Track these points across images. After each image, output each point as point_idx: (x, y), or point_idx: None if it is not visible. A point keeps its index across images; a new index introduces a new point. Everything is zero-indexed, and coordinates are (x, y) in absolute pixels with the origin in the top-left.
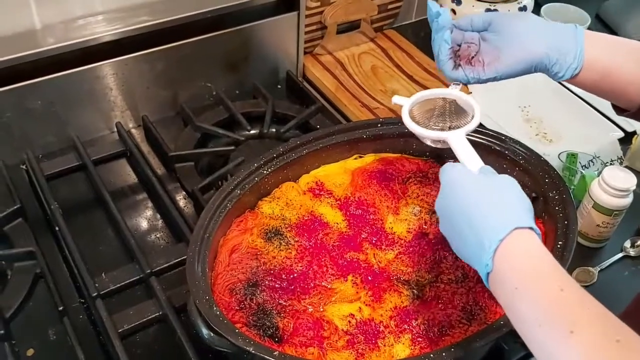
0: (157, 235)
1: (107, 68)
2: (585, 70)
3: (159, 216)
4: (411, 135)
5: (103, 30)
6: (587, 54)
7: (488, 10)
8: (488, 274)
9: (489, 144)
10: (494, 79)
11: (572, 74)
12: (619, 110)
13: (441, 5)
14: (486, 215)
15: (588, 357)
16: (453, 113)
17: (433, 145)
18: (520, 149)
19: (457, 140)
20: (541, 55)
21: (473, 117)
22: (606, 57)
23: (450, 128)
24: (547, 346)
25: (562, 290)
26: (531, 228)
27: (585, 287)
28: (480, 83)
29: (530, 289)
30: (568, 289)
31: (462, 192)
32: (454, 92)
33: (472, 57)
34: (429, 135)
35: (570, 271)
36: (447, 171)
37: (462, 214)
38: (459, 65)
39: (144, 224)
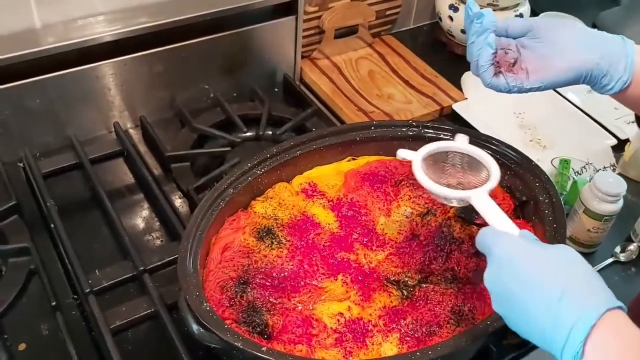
0: (152, 234)
1: (106, 68)
2: (634, 84)
3: (154, 215)
4: (405, 139)
5: (103, 31)
6: (636, 66)
7: None
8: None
9: (481, 147)
10: (538, 89)
11: (621, 87)
12: None
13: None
14: (567, 293)
15: None
16: (466, 168)
17: (449, 204)
18: (512, 153)
19: (482, 199)
20: (592, 65)
21: (488, 171)
22: None
23: (465, 185)
24: None
25: None
26: (620, 307)
27: None
28: (521, 92)
29: None
30: None
31: (527, 266)
32: (465, 146)
33: (513, 64)
34: (448, 194)
35: None
36: (497, 242)
37: (531, 292)
38: (500, 72)
39: (139, 223)
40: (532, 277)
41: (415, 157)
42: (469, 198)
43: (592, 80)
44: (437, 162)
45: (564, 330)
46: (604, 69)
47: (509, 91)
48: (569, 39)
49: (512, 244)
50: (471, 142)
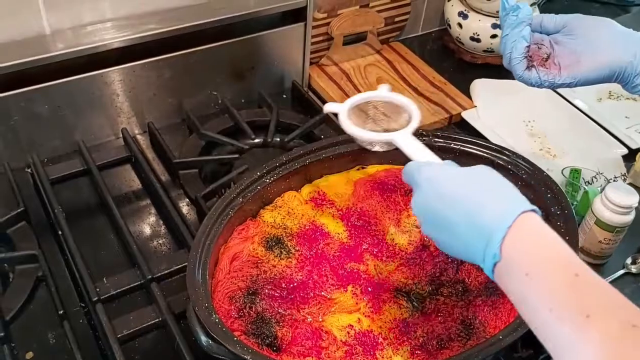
0: (159, 242)
1: (114, 74)
2: None
3: (161, 222)
4: None
5: (112, 37)
6: None
7: (495, 24)
8: (494, 264)
9: (492, 157)
10: (569, 85)
11: None
12: None
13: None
14: (484, 204)
15: (604, 342)
16: (389, 114)
17: (377, 149)
18: (523, 163)
19: (406, 139)
20: (625, 64)
21: (409, 115)
22: None
23: (389, 130)
24: (560, 332)
25: (577, 275)
26: (534, 210)
27: None
28: (553, 87)
29: (543, 274)
30: (583, 273)
31: (448, 186)
32: (386, 93)
33: (546, 59)
34: (374, 138)
35: None
36: (420, 170)
37: (453, 208)
38: (533, 66)
39: (146, 230)
40: (453, 195)
41: (341, 109)
42: (392, 139)
43: (624, 79)
44: (361, 112)
45: (484, 238)
46: (637, 68)
47: (540, 85)
48: (603, 37)
49: (433, 169)
50: (482, 151)
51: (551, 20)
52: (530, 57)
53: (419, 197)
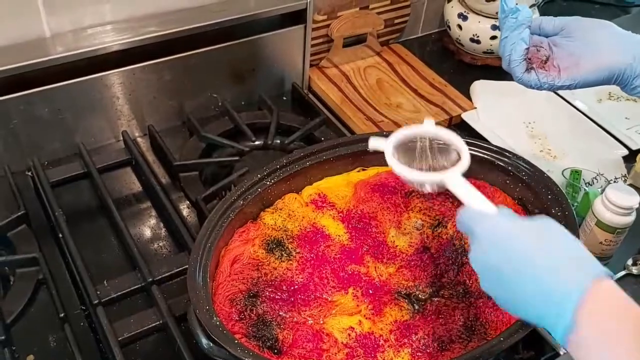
0: (160, 244)
1: (114, 77)
2: None
3: (162, 225)
4: None
5: (112, 40)
6: None
7: (494, 26)
8: (566, 333)
9: (493, 159)
10: (569, 87)
11: None
12: None
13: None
14: (555, 268)
15: None
16: (437, 152)
17: (427, 190)
18: (524, 165)
19: (456, 181)
20: (625, 66)
21: (459, 153)
22: None
23: (436, 169)
24: None
25: None
26: (608, 275)
27: None
28: (553, 90)
29: (625, 355)
30: None
31: (513, 245)
32: (433, 128)
33: (545, 62)
34: (423, 178)
35: None
36: (480, 222)
37: (519, 271)
38: (532, 68)
39: (147, 233)
40: (519, 256)
41: (386, 146)
42: (442, 180)
43: (623, 81)
44: (408, 149)
45: (554, 305)
46: (636, 70)
47: (540, 87)
48: (602, 39)
49: (494, 223)
50: (483, 153)
51: (550, 22)
52: (530, 59)
53: (479, 253)
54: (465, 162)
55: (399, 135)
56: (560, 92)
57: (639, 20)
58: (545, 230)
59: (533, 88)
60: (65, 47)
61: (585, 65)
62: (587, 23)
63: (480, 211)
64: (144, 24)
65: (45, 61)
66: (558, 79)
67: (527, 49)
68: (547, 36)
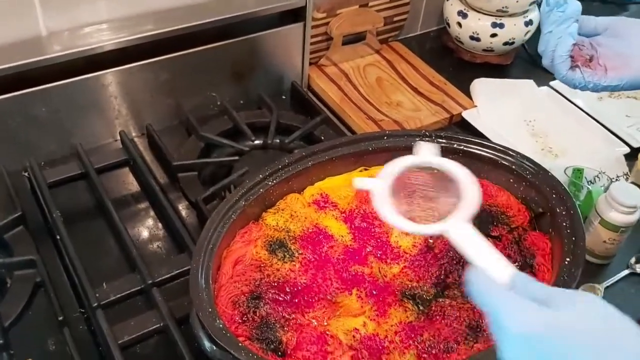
0: (159, 245)
1: (112, 76)
2: None
3: (161, 226)
4: None
5: (109, 39)
6: None
7: (494, 24)
8: None
9: (497, 158)
10: (614, 87)
11: None
12: None
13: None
14: None
15: None
16: (439, 186)
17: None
18: (528, 163)
19: (461, 232)
20: None
21: (466, 189)
22: None
23: (438, 209)
24: None
25: None
26: None
27: None
28: (596, 91)
29: None
30: None
31: (557, 348)
32: (431, 158)
33: (590, 60)
34: (423, 232)
35: (576, 288)
36: (510, 312)
37: None
38: (577, 66)
39: (145, 234)
40: (566, 355)
41: (374, 187)
42: (443, 232)
43: None
44: (403, 184)
45: None
46: None
47: (584, 87)
48: None
49: (532, 316)
50: (487, 152)
51: (590, 22)
52: (573, 57)
53: (512, 353)
54: (472, 206)
55: (389, 171)
56: (560, 89)
57: (636, 17)
58: (591, 316)
59: (576, 87)
60: (61, 46)
61: (635, 65)
62: (631, 22)
63: (503, 290)
64: (141, 23)
65: (42, 60)
66: (604, 78)
67: (574, 45)
68: (587, 36)
